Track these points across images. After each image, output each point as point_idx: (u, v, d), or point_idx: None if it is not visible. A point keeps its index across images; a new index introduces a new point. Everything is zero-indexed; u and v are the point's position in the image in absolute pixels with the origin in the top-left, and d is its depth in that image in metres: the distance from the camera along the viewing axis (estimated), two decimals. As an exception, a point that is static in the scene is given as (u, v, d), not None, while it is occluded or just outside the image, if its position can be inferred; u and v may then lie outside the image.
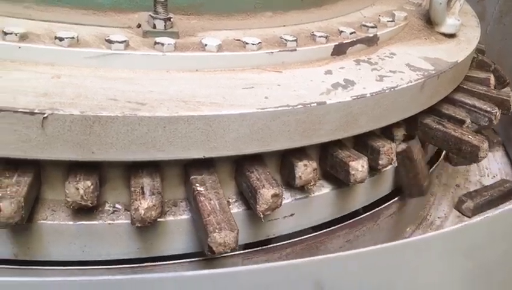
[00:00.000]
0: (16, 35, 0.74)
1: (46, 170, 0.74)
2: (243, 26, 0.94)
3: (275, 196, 0.73)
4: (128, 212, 0.77)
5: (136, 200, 0.68)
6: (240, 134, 0.73)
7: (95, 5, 0.87)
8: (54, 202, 0.76)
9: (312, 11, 1.08)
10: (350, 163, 0.80)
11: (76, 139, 0.67)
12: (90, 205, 0.70)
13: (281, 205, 0.75)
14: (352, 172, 0.80)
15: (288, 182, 0.84)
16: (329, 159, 0.85)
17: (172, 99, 0.72)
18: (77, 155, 0.68)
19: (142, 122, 0.68)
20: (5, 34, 0.74)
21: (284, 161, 0.84)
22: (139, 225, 0.68)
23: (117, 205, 0.78)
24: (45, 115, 0.64)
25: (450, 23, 1.13)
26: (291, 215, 0.87)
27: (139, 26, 0.86)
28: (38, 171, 0.72)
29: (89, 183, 0.69)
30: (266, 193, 0.73)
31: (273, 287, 0.46)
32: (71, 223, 0.74)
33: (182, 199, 0.81)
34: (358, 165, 0.80)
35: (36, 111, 0.64)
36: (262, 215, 0.73)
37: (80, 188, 0.68)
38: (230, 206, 0.82)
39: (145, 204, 0.68)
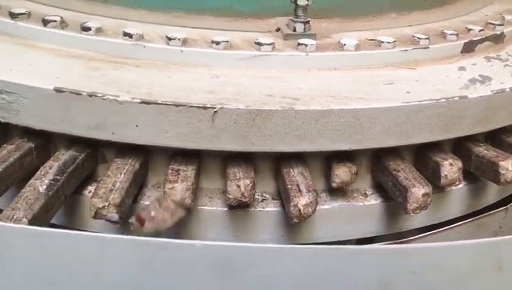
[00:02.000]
0: (179, 40, 0.83)
1: (205, 161, 0.82)
2: (370, 27, 0.98)
3: (425, 195, 0.75)
4: (276, 201, 0.84)
5: (295, 197, 0.72)
6: (384, 127, 0.77)
7: (237, 12, 0.95)
8: (210, 190, 0.83)
9: (434, 11, 1.10)
10: (500, 163, 0.80)
11: (239, 131, 0.74)
12: (248, 201, 0.75)
13: (430, 204, 0.77)
14: (502, 172, 0.80)
15: (428, 178, 0.85)
16: (473, 159, 0.85)
17: (321, 94, 0.78)
18: (239, 146, 0.75)
19: (298, 116, 0.74)
20: (169, 39, 0.84)
21: (422, 157, 0.86)
22: (296, 220, 0.73)
23: (265, 194, 0.84)
24: (216, 110, 0.72)
25: None
26: (425, 209, 0.89)
27: (278, 30, 0.92)
28: (199, 162, 0.80)
29: (248, 181, 0.74)
30: (417, 192, 0.75)
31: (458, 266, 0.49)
32: (226, 209, 0.81)
33: (321, 190, 0.86)
34: (509, 165, 0.80)
35: (208, 106, 0.72)
36: (412, 214, 0.76)
37: (241, 185, 0.74)
38: (368, 198, 0.86)
39: (303, 201, 0.72)
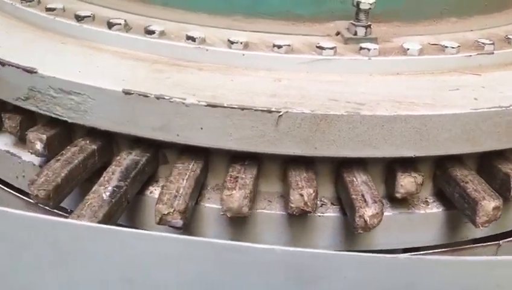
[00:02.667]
0: (241, 44, 0.84)
1: (264, 165, 0.82)
2: (431, 32, 0.96)
3: (495, 208, 0.73)
4: (335, 206, 0.83)
5: (361, 208, 0.71)
6: (451, 134, 0.75)
7: (295, 16, 0.95)
8: (268, 194, 0.83)
9: (494, 16, 1.07)
10: None
11: (303, 135, 0.73)
12: (311, 211, 0.74)
13: (499, 217, 0.75)
14: None
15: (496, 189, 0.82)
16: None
17: (385, 100, 0.77)
18: (301, 150, 0.75)
19: (363, 121, 0.73)
20: (231, 43, 0.84)
21: (488, 167, 0.83)
22: (361, 231, 0.72)
23: (324, 199, 0.83)
24: (280, 113, 0.72)
25: None
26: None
27: (337, 33, 0.92)
28: (258, 167, 0.80)
29: (311, 190, 0.73)
30: (487, 205, 0.73)
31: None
32: (285, 213, 0.81)
33: (381, 196, 0.84)
34: None
35: (273, 109, 0.72)
36: (480, 227, 0.74)
37: (304, 195, 0.73)
38: (429, 206, 0.84)
39: (369, 212, 0.71)
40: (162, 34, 0.87)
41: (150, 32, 0.86)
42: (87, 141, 0.82)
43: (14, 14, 0.99)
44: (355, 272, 0.48)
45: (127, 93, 0.74)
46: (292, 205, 0.73)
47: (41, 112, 0.82)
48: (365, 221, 0.70)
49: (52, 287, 0.53)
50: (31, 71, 0.79)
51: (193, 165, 0.79)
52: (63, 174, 0.75)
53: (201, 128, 0.75)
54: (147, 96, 0.74)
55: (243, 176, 0.76)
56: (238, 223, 0.81)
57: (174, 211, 0.70)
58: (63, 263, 0.52)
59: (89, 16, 0.91)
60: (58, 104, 0.79)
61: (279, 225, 0.82)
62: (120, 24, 0.88)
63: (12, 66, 0.80)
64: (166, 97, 0.74)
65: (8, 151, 0.91)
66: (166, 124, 0.75)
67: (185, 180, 0.75)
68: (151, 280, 0.50)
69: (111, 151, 0.86)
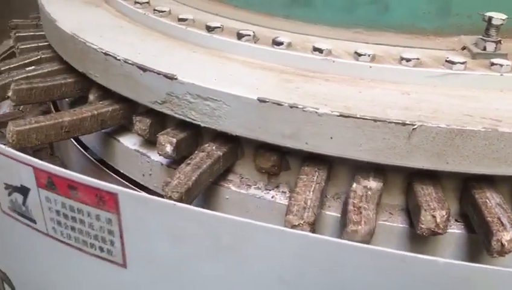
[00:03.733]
0: (368, 56, 0.85)
1: (388, 177, 0.82)
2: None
3: None
4: (458, 223, 0.81)
5: (498, 231, 0.69)
6: None
7: (419, 30, 0.95)
8: (390, 206, 0.84)
9: None
10: None
11: (435, 149, 0.73)
12: (442, 233, 0.73)
13: None
14: None
15: None
16: None
17: (522, 117, 0.75)
18: (432, 165, 0.75)
19: (501, 138, 0.71)
20: (359, 55, 0.86)
21: None
22: (496, 255, 0.70)
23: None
24: (415, 127, 0.72)
25: None
26: None
27: (464, 48, 0.91)
28: (383, 177, 0.81)
29: (444, 212, 0.72)
30: None
31: None
32: (406, 226, 0.81)
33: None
34: None
35: (407, 122, 0.73)
36: None
37: (437, 216, 0.72)
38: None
39: (507, 236, 0.69)
40: (289, 45, 0.90)
41: (278, 44, 0.90)
42: (213, 147, 0.87)
43: (145, 23, 1.07)
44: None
45: (262, 101, 0.78)
46: (422, 226, 0.72)
47: (176, 115, 0.87)
48: (502, 245, 0.68)
49: (209, 278, 0.57)
50: (171, 77, 0.85)
51: (317, 177, 0.81)
52: (193, 178, 0.79)
53: (331, 138, 0.77)
54: (281, 105, 0.77)
55: (366, 205, 0.76)
56: (359, 233, 0.82)
57: (304, 222, 0.72)
58: (222, 257, 0.56)
59: (219, 27, 0.96)
60: (194, 109, 0.84)
61: (400, 238, 0.82)
62: (249, 35, 0.92)
63: (153, 72, 0.87)
64: (299, 106, 0.76)
65: (137, 151, 0.98)
66: (296, 132, 0.78)
67: (311, 192, 0.77)
68: (307, 283, 0.52)
69: (235, 157, 0.90)
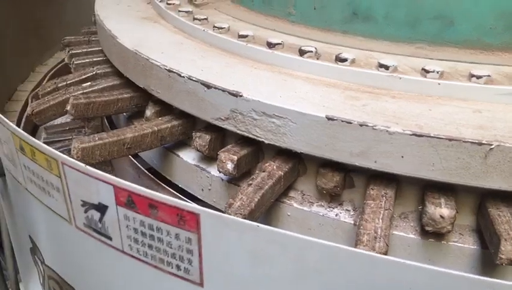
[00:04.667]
0: (437, 73, 0.83)
1: (459, 197, 0.80)
2: None
3: None
4: None
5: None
6: None
7: (484, 45, 0.92)
8: (460, 227, 0.81)
9: None
10: None
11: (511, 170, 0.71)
12: None
13: None
14: None
15: None
16: None
17: None
18: (509, 185, 0.72)
19: None
20: (426, 72, 0.84)
21: None
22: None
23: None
24: (492, 146, 0.70)
25: None
26: None
27: (534, 64, 0.88)
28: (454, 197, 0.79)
29: None
30: None
31: None
32: (478, 248, 0.78)
33: None
34: None
35: (484, 142, 0.71)
36: None
37: None
38: None
39: None
40: (353, 61, 0.89)
41: (342, 60, 0.89)
42: (274, 167, 0.86)
43: (204, 39, 1.08)
44: None
45: (330, 119, 0.77)
46: (502, 256, 0.70)
47: (239, 132, 0.88)
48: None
49: (291, 302, 0.56)
50: (236, 95, 0.85)
51: (385, 202, 0.79)
52: (256, 199, 0.79)
53: (402, 157, 0.75)
54: (350, 123, 0.76)
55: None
56: (428, 253, 0.80)
57: (379, 246, 0.71)
58: (306, 281, 0.55)
59: (280, 44, 0.96)
60: (258, 125, 0.85)
61: (471, 260, 0.79)
62: (311, 51, 0.92)
63: (218, 89, 0.87)
64: (369, 124, 0.75)
65: (197, 166, 0.99)
66: (365, 151, 0.77)
67: (380, 220, 0.75)
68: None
69: (296, 175, 0.90)
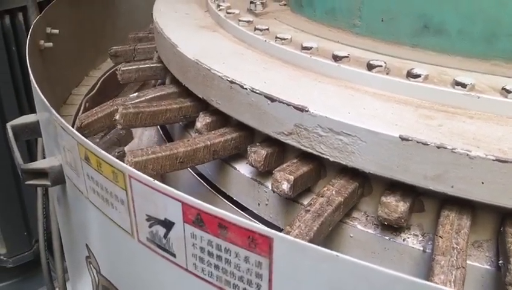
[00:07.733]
0: None
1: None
2: None
3: None
4: None
5: None
6: None
7: None
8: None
9: None
10: None
11: None
12: None
13: None
14: None
15: None
16: None
17: None
18: None
19: None
20: (508, 92, 0.79)
21: None
22: None
23: None
24: None
25: None
26: None
27: None
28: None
29: None
30: None
31: None
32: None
33: None
34: None
35: None
36: None
37: None
38: None
39: None
40: (426, 78, 0.85)
41: (415, 76, 0.84)
42: (333, 192, 0.82)
43: (266, 50, 1.06)
44: None
45: (404, 139, 0.73)
46: None
47: (303, 148, 0.84)
48: None
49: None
50: (301, 109, 0.82)
51: (460, 230, 0.74)
52: (314, 228, 0.75)
53: (482, 183, 0.70)
54: (427, 145, 0.72)
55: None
56: (503, 286, 0.74)
57: (455, 279, 0.66)
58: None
59: (347, 57, 0.92)
60: (324, 142, 0.81)
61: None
62: (381, 66, 0.88)
63: (282, 102, 0.84)
64: (447, 147, 0.71)
65: (255, 179, 0.96)
66: (442, 174, 0.72)
67: (456, 250, 0.70)
68: None
69: (357, 198, 0.85)
